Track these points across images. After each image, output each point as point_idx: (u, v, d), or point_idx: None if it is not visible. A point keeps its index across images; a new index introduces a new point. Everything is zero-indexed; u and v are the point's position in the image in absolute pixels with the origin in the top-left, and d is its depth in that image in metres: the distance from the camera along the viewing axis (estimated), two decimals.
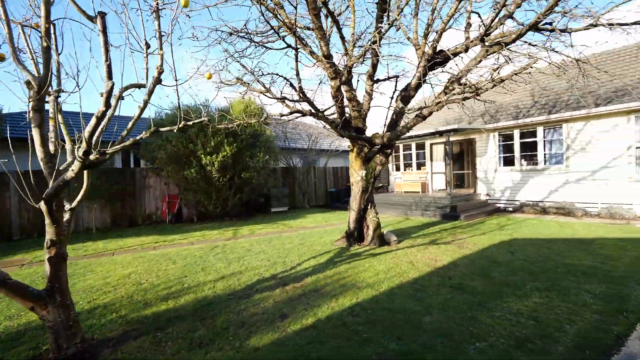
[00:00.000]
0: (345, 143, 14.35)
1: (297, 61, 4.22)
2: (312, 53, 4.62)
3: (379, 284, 4.17)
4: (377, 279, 4.36)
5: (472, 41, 4.92)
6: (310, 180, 15.67)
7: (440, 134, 11.21)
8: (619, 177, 9.08)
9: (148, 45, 3.22)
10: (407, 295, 3.80)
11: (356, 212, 6.48)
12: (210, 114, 8.28)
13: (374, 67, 5.45)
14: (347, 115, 6.25)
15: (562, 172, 10.18)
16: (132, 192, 10.73)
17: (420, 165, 15.07)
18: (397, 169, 16.09)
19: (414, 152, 14.98)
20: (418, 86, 5.68)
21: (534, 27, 4.36)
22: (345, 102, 5.95)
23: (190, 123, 2.93)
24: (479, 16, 5.63)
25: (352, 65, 4.44)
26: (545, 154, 10.74)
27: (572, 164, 9.98)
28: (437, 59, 5.44)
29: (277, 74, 4.59)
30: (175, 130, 2.93)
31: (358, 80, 6.10)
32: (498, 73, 4.81)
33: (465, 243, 6.36)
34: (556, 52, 4.75)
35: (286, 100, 5.05)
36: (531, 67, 4.56)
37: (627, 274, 4.32)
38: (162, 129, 2.94)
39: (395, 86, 5.78)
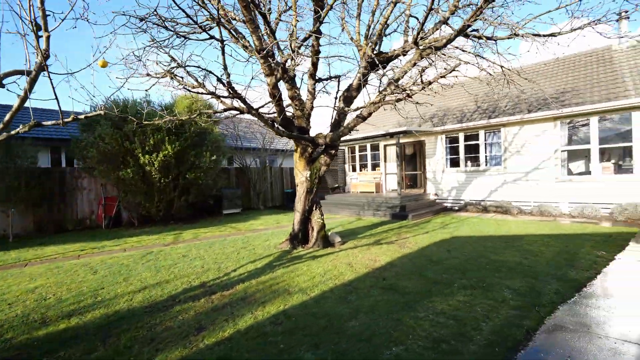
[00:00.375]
0: None
1: (223, 55, 3.94)
2: (245, 47, 4.38)
3: (311, 288, 4.03)
4: (311, 283, 4.22)
5: (408, 44, 4.99)
6: (266, 180, 15.30)
7: (391, 135, 11.46)
8: (548, 177, 9.87)
9: (38, 27, 2.81)
10: (338, 299, 3.70)
11: (301, 214, 6.32)
12: (152, 111, 7.68)
13: (314, 65, 5.34)
14: (290, 114, 6.08)
15: (501, 173, 10.88)
16: (60, 194, 9.65)
17: (375, 166, 15.36)
18: (354, 169, 16.26)
19: (369, 153, 15.23)
20: (360, 87, 5.66)
21: (463, 33, 4.51)
22: (288, 100, 5.78)
23: (82, 117, 2.55)
24: (418, 20, 5.75)
25: (285, 62, 4.27)
26: (486, 156, 11.41)
27: (509, 165, 10.70)
28: (378, 61, 5.45)
29: (202, 68, 4.26)
30: (61, 125, 2.54)
31: (302, 79, 5.96)
32: (420, 76, 4.93)
33: (408, 242, 6.47)
34: (483, 57, 4.97)
35: (222, 97, 4.75)
36: (457, 70, 4.74)
37: (546, 268, 4.60)
38: (45, 123, 2.54)
39: (338, 86, 5.71)
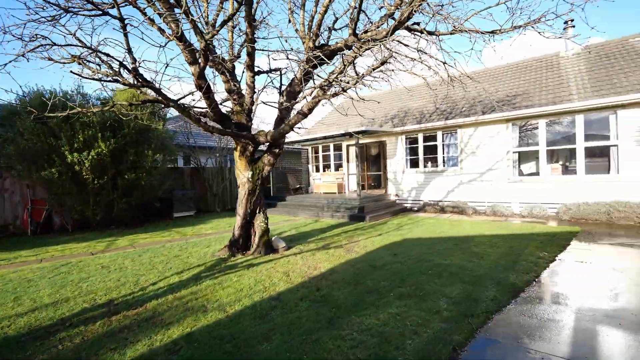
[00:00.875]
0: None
1: (126, 36, 3.40)
2: (162, 30, 3.84)
3: (233, 304, 3.57)
4: (235, 297, 3.75)
5: (350, 37, 4.67)
6: (224, 181, 14.56)
7: (351, 135, 11.22)
8: (501, 178, 10.06)
9: None
10: (258, 316, 3.27)
11: (242, 218, 5.83)
12: (84, 104, 6.83)
13: (250, 56, 4.87)
14: (229, 109, 5.58)
15: (458, 174, 10.98)
16: None
17: (338, 167, 15.12)
18: (317, 170, 15.94)
19: (332, 153, 14.97)
20: (302, 81, 5.27)
21: (403, 26, 4.26)
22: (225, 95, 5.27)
23: None
24: (365, 14, 5.48)
25: (206, 48, 3.78)
26: (444, 157, 11.49)
27: (465, 166, 10.81)
28: (322, 54, 5.09)
29: (114, 57, 3.66)
30: None
31: (243, 72, 5.48)
32: (354, 68, 4.64)
33: (357, 246, 6.18)
34: (425, 53, 4.78)
35: (141, 87, 4.16)
36: (389, 63, 4.51)
37: (488, 272, 4.45)
38: None
39: (280, 81, 5.29)
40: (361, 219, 9.61)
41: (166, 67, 3.75)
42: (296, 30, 5.64)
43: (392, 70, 5.03)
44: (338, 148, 14.84)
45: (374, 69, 4.43)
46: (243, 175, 5.79)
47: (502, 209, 9.77)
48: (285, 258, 5.37)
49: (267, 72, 5.24)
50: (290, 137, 14.90)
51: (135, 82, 3.71)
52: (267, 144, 5.79)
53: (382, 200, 11.84)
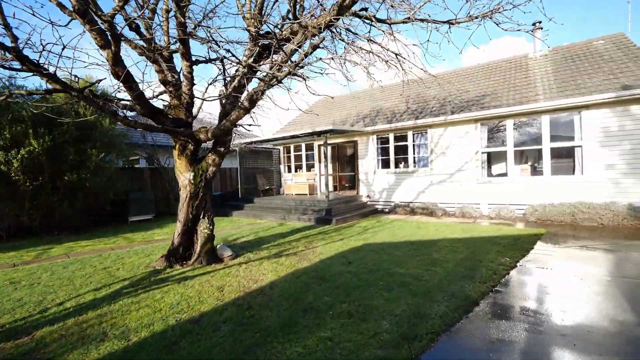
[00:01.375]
0: (238, 141, 13.01)
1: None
2: (61, 6, 3.24)
3: (141, 329, 3.02)
4: (147, 320, 3.20)
5: (296, 24, 4.21)
6: None
7: (318, 134, 10.79)
8: (470, 179, 9.89)
9: None
10: (164, 346, 2.74)
11: (182, 224, 5.25)
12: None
13: (183, 43, 4.32)
14: (165, 103, 4.99)
15: (428, 175, 10.75)
16: None
17: (310, 167, 14.66)
18: (289, 170, 15.42)
19: (303, 153, 14.49)
20: (249, 72, 4.76)
21: (350, 11, 3.84)
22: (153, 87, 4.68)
23: None
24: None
25: (111, 28, 3.21)
26: (414, 157, 11.25)
27: (435, 167, 10.59)
28: (267, 41, 4.61)
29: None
30: None
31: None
32: (286, 60, 4.18)
33: (312, 253, 5.72)
34: (375, 42, 4.39)
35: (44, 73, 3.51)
36: (347, 53, 4.09)
37: (443, 281, 4.10)
38: None
39: (223, 72, 4.75)
40: (328, 222, 9.18)
41: (63, 49, 3.15)
42: (243, 17, 5.12)
43: (347, 60, 4.60)
44: (310, 148, 14.38)
45: (306, 55, 3.98)
46: (184, 176, 5.22)
47: (471, 210, 9.59)
48: (228, 269, 4.84)
49: (206, 61, 4.69)
50: (259, 135, 14.27)
51: (22, 67, 3.08)
52: (211, 142, 5.24)
53: (352, 202, 11.47)
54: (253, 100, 4.41)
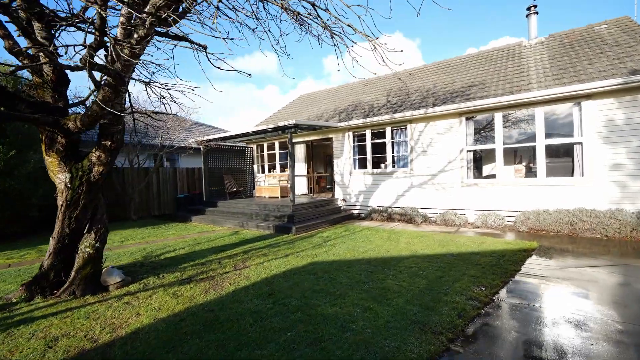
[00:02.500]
0: (200, 138, 11.71)
1: None
2: None
3: None
4: None
5: None
6: (150, 185, 12.55)
7: (282, 130, 9.54)
8: (454, 181, 8.64)
9: None
10: None
11: (56, 240, 3.99)
12: None
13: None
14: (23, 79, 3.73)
15: (408, 176, 9.49)
16: None
17: (284, 167, 13.40)
18: (263, 170, 14.17)
19: (277, 152, 13.23)
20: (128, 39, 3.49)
21: None
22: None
23: None
24: None
25: None
26: (393, 156, 9.99)
27: (416, 167, 9.34)
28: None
29: None
30: None
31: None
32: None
33: (234, 278, 4.46)
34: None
35: None
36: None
37: (376, 334, 2.84)
38: None
39: (85, 41, 3.47)
40: (287, 231, 7.91)
41: None
42: None
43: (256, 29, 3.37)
44: (283, 146, 13.13)
45: (146, 36, 2.73)
46: (58, 179, 3.96)
47: (455, 217, 8.32)
48: (99, 304, 3.57)
49: (68, 22, 3.43)
50: (225, 131, 12.99)
51: None
52: (75, 132, 3.97)
53: (325, 206, 10.21)
54: (120, 75, 3.15)
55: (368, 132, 10.31)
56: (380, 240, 6.65)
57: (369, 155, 10.32)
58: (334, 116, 11.60)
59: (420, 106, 9.15)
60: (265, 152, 13.74)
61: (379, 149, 10.70)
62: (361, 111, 10.88)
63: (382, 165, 10.79)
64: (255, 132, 10.12)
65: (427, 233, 7.32)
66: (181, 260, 5.51)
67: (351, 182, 10.81)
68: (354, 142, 10.79)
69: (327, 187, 15.04)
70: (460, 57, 12.17)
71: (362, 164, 10.82)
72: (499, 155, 7.98)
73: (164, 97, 4.29)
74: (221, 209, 10.82)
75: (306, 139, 12.03)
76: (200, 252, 6.15)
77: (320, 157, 15.64)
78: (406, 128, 9.57)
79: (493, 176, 9.56)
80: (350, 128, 10.63)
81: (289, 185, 12.66)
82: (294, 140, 12.44)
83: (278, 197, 11.91)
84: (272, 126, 9.03)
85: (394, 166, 9.99)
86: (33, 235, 8.63)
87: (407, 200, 9.48)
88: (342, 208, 10.77)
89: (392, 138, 9.92)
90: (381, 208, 9.95)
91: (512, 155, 12.14)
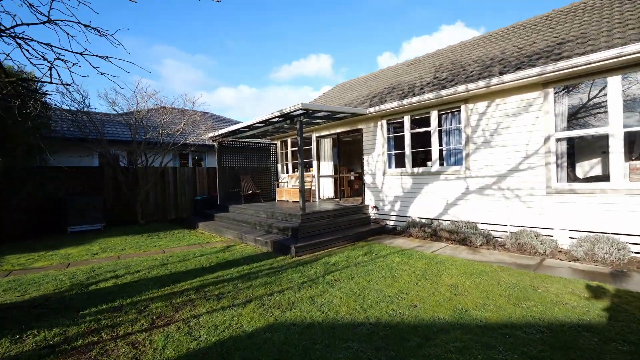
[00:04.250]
0: (212, 134, 10.37)
1: None
2: None
3: None
4: None
5: None
6: (167, 185, 11.59)
7: (290, 119, 7.53)
8: (534, 185, 5.78)
9: None
10: None
11: None
12: None
13: None
14: None
15: (462, 177, 6.81)
16: None
17: (309, 167, 11.44)
18: (286, 170, 12.40)
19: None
20: None
21: None
22: None
23: None
24: None
25: None
26: (441, 150, 7.36)
27: (473, 165, 6.63)
28: None
29: None
30: None
31: None
32: None
33: (126, 352, 2.59)
34: None
35: None
36: None
37: None
38: None
39: None
40: (285, 250, 5.91)
41: None
42: None
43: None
44: (306, 141, 11.18)
45: None
46: None
47: (536, 240, 5.48)
48: None
49: None
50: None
51: None
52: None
53: (348, 216, 7.98)
54: None
55: (406, 119, 7.81)
56: (410, 278, 4.27)
57: (407, 150, 7.82)
58: (364, 102, 9.29)
59: (480, 77, 6.42)
60: (289, 149, 11.95)
61: (420, 141, 8.13)
62: (398, 93, 8.40)
63: (428, 164, 8.21)
64: (262, 123, 8.30)
65: (488, 267, 4.70)
66: (103, 297, 3.85)
67: (385, 185, 8.40)
68: (388, 133, 8.36)
69: (358, 189, 12.71)
70: (542, 16, 8.92)
71: (399, 161, 8.35)
72: (616, 145, 4.96)
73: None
74: (230, 215, 9.26)
75: (332, 131, 9.90)
76: (147, 281, 4.45)
77: (352, 153, 13.37)
78: (459, 111, 6.89)
79: (602, 178, 6.43)
80: (383, 114, 8.23)
81: (313, 187, 10.68)
82: (317, 135, 10.42)
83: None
84: (277, 113, 7.09)
85: (441, 164, 7.36)
86: (26, 238, 7.95)
87: (460, 211, 6.81)
88: (372, 218, 8.43)
89: (440, 125, 7.30)
90: (424, 220, 7.39)
91: (628, 144, 8.48)
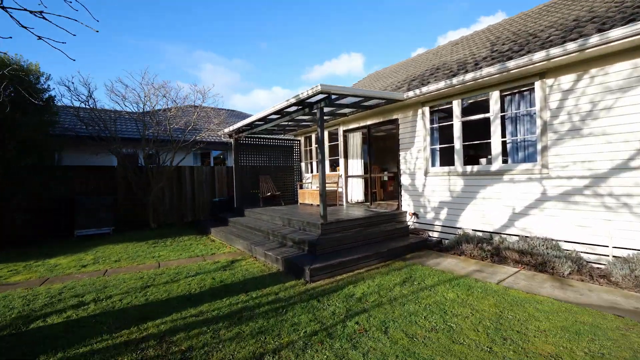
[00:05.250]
0: (228, 129, 9.39)
1: None
2: None
3: None
4: None
5: None
6: (184, 186, 10.82)
7: (309, 106, 6.17)
8: None
9: None
10: None
11: None
12: None
13: None
14: None
15: (536, 177, 5.07)
16: None
17: (334, 165, 10.06)
18: (311, 169, 11.13)
19: (326, 144, 9.97)
20: None
21: None
22: None
23: None
24: None
25: None
26: (504, 143, 5.64)
27: (554, 161, 4.87)
28: None
29: None
30: None
31: None
32: None
33: None
34: None
35: None
36: None
37: None
38: None
39: None
40: (298, 273, 4.58)
41: None
42: None
43: None
44: (333, 136, 9.81)
45: None
46: None
47: None
48: None
49: None
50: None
51: None
52: None
53: (382, 225, 6.52)
54: None
55: (456, 105, 6.16)
56: (477, 336, 2.75)
57: (457, 144, 6.16)
58: (401, 86, 7.72)
59: (568, 40, 4.64)
60: (313, 146, 10.65)
61: (474, 131, 6.46)
62: (445, 72, 6.75)
63: (480, 161, 6.50)
64: (278, 113, 7.05)
65: (599, 316, 3.03)
66: (31, 346, 2.78)
67: (427, 187, 6.80)
68: (431, 123, 6.75)
69: (393, 191, 11.09)
70: None
71: (445, 158, 6.73)
72: None
73: None
74: (244, 220, 8.17)
75: (361, 124, 8.45)
76: (109, 316, 3.36)
77: (385, 149, 11.76)
78: (531, 89, 5.15)
79: None
80: (425, 100, 6.63)
81: (339, 189, 9.30)
82: (345, 128, 9.01)
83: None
84: (293, 99, 5.78)
85: (505, 161, 5.65)
86: (49, 238, 7.40)
87: (533, 223, 5.07)
88: (410, 227, 6.87)
89: (502, 111, 5.59)
90: (479, 234, 5.73)
91: None
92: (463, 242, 5.64)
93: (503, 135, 5.59)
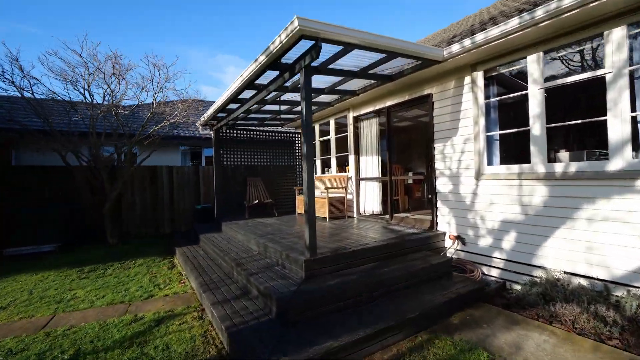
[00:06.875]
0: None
1: None
2: None
3: None
4: None
5: None
6: (160, 190, 8.88)
7: (287, 69, 3.90)
8: None
9: None
10: None
11: None
12: None
13: None
14: None
15: None
16: None
17: (343, 163, 7.74)
18: (315, 170, 8.85)
19: (332, 136, 7.66)
20: None
21: None
22: None
23: None
24: None
25: None
26: (636, 120, 3.13)
27: None
28: None
29: None
30: None
31: None
32: None
33: None
34: None
35: None
36: None
37: None
38: None
39: None
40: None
41: None
42: None
43: None
44: (341, 127, 7.53)
45: None
46: None
47: None
48: None
49: None
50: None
51: None
52: None
53: (410, 254, 4.18)
54: None
55: (532, 61, 3.68)
56: None
57: (536, 126, 3.68)
58: (439, 45, 5.28)
59: None
60: (317, 140, 8.37)
61: (562, 108, 3.94)
62: (504, 18, 4.26)
63: (580, 155, 4.03)
64: (252, 88, 4.80)
65: None
66: None
67: (479, 197, 4.35)
68: (486, 98, 4.30)
69: (420, 197, 8.60)
70: None
71: (512, 151, 4.27)
72: None
73: None
74: (218, 238, 6.07)
75: (378, 106, 6.10)
76: None
77: (410, 143, 9.31)
78: None
79: None
80: (478, 58, 4.20)
81: (349, 196, 6.99)
82: (355, 114, 6.69)
83: (326, 218, 6.44)
84: (264, 58, 3.55)
85: (636, 155, 3.13)
86: None
87: None
88: (451, 258, 4.43)
89: (631, 63, 3.08)
90: (584, 283, 3.25)
91: None
92: (547, 291, 3.19)
93: (633, 109, 3.09)
